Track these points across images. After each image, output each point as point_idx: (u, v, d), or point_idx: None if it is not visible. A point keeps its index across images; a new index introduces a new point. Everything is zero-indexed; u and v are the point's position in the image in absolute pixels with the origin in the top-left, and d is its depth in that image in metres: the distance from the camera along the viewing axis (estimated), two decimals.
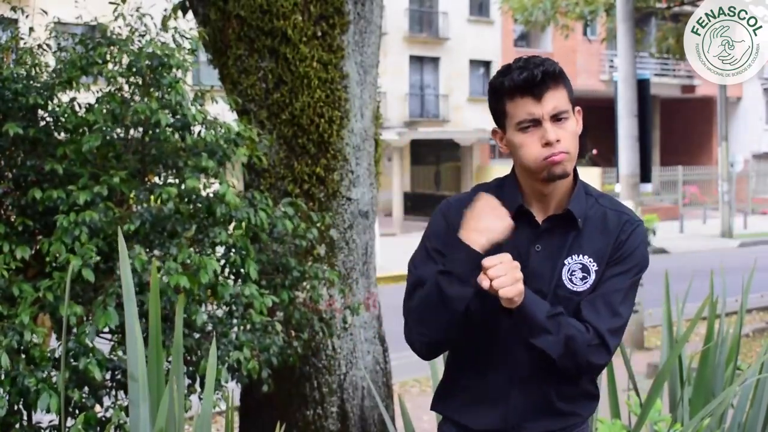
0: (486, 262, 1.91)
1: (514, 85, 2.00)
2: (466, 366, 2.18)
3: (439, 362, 2.80)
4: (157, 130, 3.53)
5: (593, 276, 2.05)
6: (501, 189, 2.13)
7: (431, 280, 2.01)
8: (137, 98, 3.60)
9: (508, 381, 2.10)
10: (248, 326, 3.61)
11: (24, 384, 2.97)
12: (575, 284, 2.05)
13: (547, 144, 1.99)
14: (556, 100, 2.00)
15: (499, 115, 2.07)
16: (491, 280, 1.89)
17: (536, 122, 2.00)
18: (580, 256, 2.06)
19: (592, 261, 2.05)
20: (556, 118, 2.00)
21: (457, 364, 2.22)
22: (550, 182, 2.05)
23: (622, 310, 2.05)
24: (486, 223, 1.97)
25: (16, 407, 3.18)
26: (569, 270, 2.05)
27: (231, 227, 3.69)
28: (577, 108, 2.10)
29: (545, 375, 2.08)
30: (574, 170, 2.12)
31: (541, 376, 2.09)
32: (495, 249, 1.99)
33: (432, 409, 2.28)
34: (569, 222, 2.08)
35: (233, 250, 3.62)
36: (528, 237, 2.07)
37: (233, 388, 3.67)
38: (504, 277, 1.89)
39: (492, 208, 1.99)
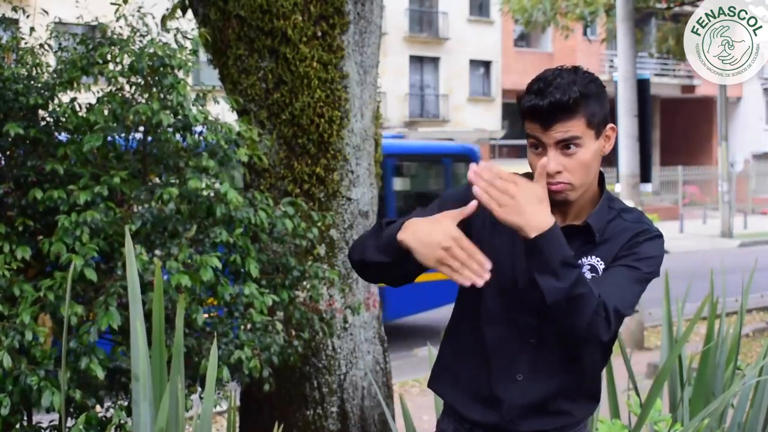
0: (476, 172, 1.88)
1: (522, 110, 2.00)
2: (462, 356, 2.17)
3: None
4: (158, 131, 3.53)
5: (600, 274, 2.05)
6: None
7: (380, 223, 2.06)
8: (138, 98, 3.60)
9: (505, 376, 2.09)
10: (249, 326, 3.62)
11: (26, 383, 2.97)
12: None
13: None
14: (565, 129, 1.96)
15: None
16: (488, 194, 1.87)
17: (544, 145, 1.99)
18: (590, 257, 2.06)
19: (599, 261, 2.06)
20: (565, 145, 1.97)
21: (454, 351, 2.21)
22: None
23: (629, 298, 2.00)
24: (427, 225, 1.90)
25: (17, 407, 3.19)
26: None
27: None
28: (611, 125, 2.06)
29: (544, 372, 2.09)
30: (602, 180, 2.11)
31: (540, 373, 2.09)
32: (508, 244, 2.03)
33: (429, 386, 2.28)
34: (587, 235, 2.07)
35: (233, 249, 3.63)
36: None
37: (234, 388, 3.68)
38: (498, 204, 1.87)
39: (449, 219, 1.91)
